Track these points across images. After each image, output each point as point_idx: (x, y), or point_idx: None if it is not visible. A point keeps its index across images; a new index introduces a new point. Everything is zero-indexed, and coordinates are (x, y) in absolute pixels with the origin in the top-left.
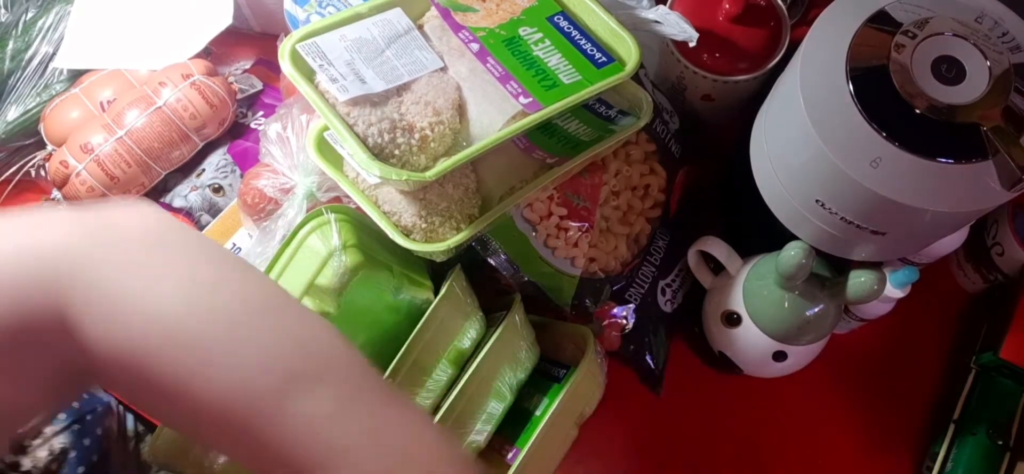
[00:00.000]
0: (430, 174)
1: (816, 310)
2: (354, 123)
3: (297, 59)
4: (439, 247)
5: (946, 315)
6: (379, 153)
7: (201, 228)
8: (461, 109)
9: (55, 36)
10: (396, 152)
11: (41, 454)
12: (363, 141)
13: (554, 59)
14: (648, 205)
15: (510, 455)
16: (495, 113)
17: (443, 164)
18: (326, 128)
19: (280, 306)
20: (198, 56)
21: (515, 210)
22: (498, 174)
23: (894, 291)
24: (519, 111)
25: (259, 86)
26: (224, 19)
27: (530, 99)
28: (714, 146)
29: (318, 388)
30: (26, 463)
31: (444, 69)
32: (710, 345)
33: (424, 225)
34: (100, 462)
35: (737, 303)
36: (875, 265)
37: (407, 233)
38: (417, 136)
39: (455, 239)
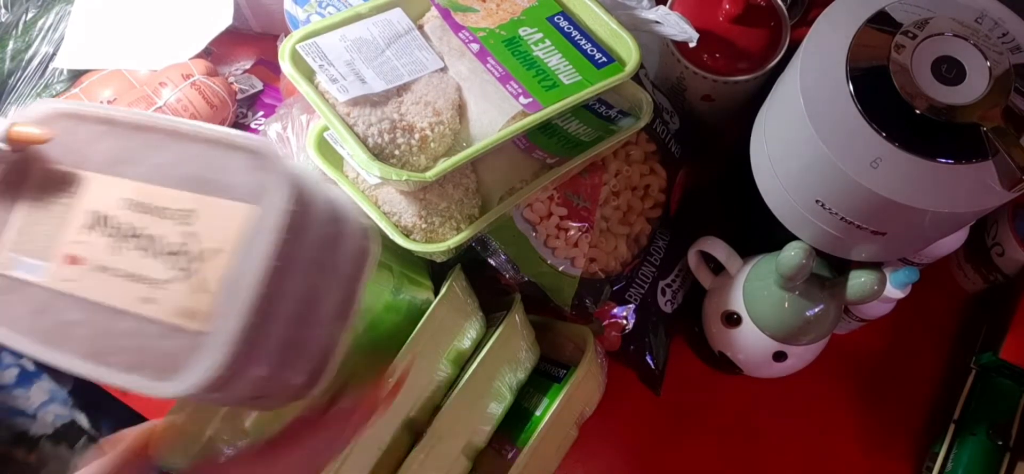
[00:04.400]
0: (430, 174)
1: (816, 310)
2: (354, 123)
3: (297, 59)
4: (439, 247)
5: (946, 315)
6: (379, 153)
7: None
8: (461, 109)
9: (55, 36)
10: (396, 152)
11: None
12: (363, 141)
13: (554, 59)
14: (648, 205)
15: (510, 455)
16: (495, 113)
17: (443, 164)
18: (326, 128)
19: None
20: (198, 56)
21: (515, 210)
22: (498, 174)
23: (894, 291)
24: (519, 111)
25: (259, 86)
26: (224, 19)
27: (530, 99)
28: (714, 146)
29: None
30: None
31: (444, 69)
32: (710, 345)
33: (424, 225)
34: None
35: (737, 303)
36: (875, 265)
37: (407, 233)
38: (417, 136)
39: (455, 240)
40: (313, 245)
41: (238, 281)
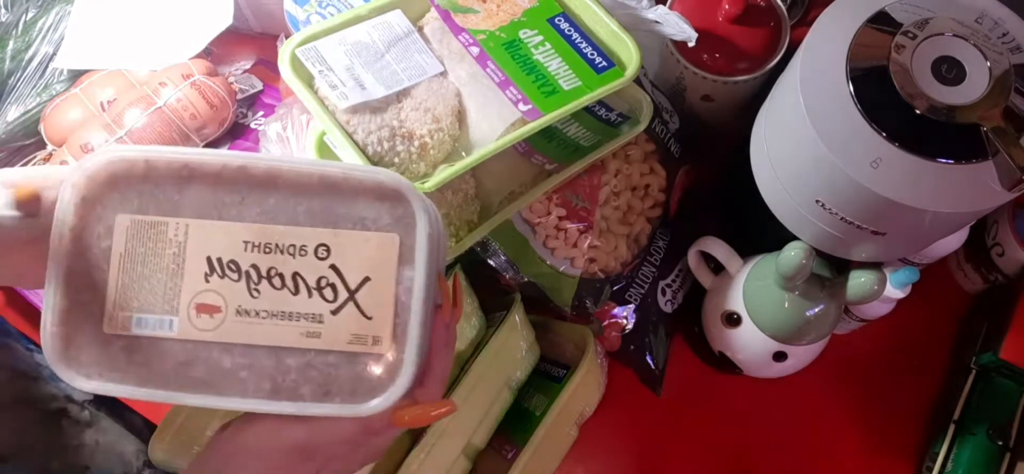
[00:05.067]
0: (429, 185)
1: (816, 310)
2: (354, 131)
3: (296, 64)
4: None
5: (946, 315)
6: (378, 161)
7: None
8: (460, 115)
9: (55, 36)
10: (396, 160)
11: None
12: (363, 150)
13: (554, 64)
14: (648, 205)
15: (510, 455)
16: (495, 119)
17: (441, 174)
18: None
19: None
20: (198, 56)
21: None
22: (497, 179)
23: (894, 291)
24: (518, 118)
25: (259, 86)
26: (224, 19)
27: (530, 106)
28: (714, 146)
29: None
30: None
31: (444, 73)
32: (710, 345)
33: None
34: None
35: (737, 303)
36: (875, 265)
37: None
38: (417, 143)
39: (456, 249)
40: (438, 257)
41: (406, 303)
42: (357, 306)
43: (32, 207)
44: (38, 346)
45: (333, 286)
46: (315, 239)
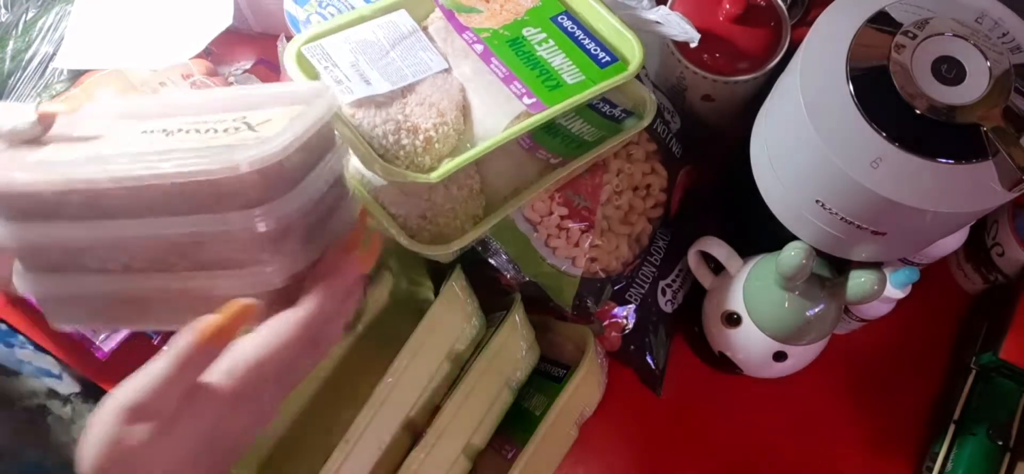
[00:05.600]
0: (434, 176)
1: (816, 310)
2: (359, 125)
3: (302, 62)
4: (444, 249)
5: (946, 315)
6: (383, 154)
7: None
8: (465, 110)
9: (55, 36)
10: (400, 154)
11: None
12: (368, 143)
13: (558, 59)
14: (649, 205)
15: (510, 455)
16: (499, 114)
17: (447, 165)
18: None
19: None
20: (198, 56)
21: (516, 210)
22: (502, 175)
23: (894, 291)
24: (523, 111)
25: None
26: (224, 19)
27: (534, 99)
28: (714, 146)
29: None
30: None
31: (448, 70)
32: (710, 345)
33: (429, 227)
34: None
35: (737, 303)
36: (875, 265)
37: (412, 235)
38: (421, 137)
39: (460, 242)
40: (329, 172)
41: (288, 127)
42: (249, 126)
43: (50, 121)
44: (17, 334)
45: (237, 128)
46: (240, 112)
